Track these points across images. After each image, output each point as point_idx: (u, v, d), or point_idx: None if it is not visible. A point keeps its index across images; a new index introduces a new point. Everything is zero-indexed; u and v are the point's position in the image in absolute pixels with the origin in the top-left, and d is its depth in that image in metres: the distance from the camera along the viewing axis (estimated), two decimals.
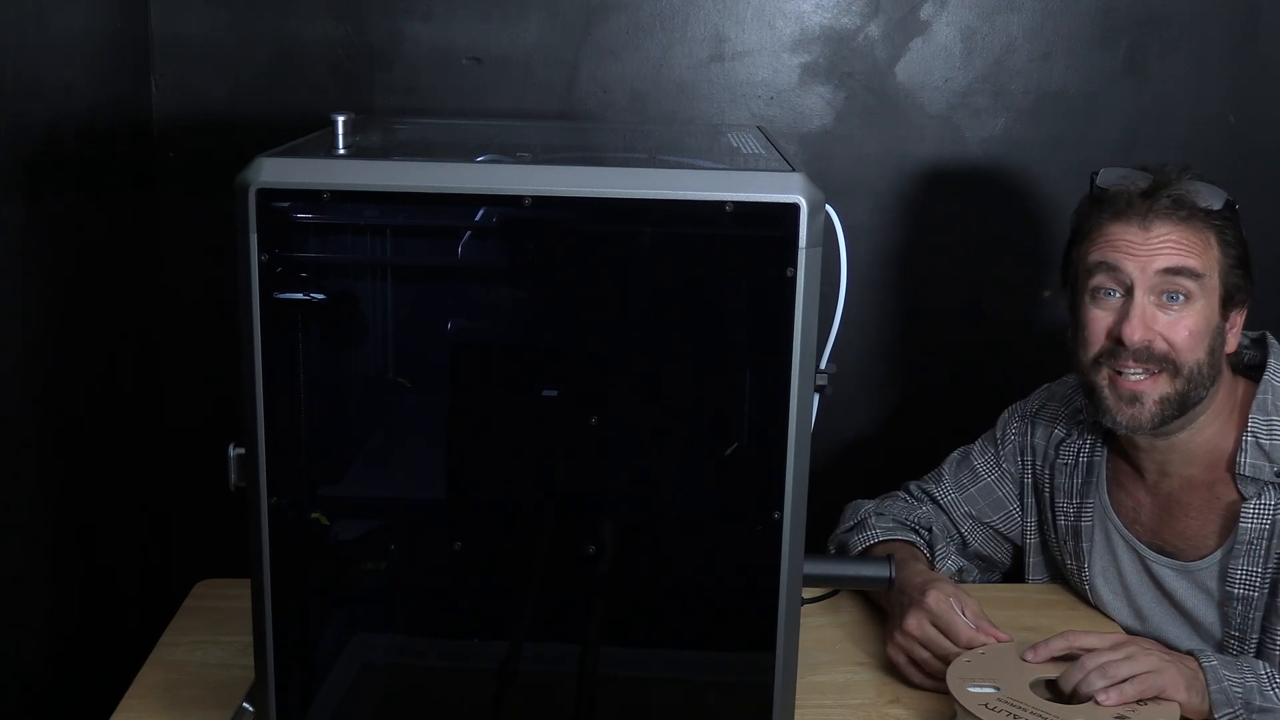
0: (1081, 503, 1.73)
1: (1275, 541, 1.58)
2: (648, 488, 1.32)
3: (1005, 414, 1.85)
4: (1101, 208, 1.60)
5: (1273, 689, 1.47)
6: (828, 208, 1.20)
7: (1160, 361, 1.56)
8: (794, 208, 1.17)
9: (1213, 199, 1.57)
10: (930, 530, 1.80)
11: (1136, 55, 2.17)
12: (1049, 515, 1.78)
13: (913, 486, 1.86)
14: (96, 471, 1.90)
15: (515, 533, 1.30)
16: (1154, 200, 1.56)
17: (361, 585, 1.34)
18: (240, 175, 1.18)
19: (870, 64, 2.16)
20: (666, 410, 1.30)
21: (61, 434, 1.78)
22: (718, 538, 1.31)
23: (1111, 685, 1.42)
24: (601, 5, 2.11)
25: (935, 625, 1.55)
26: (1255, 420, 1.60)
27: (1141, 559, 1.69)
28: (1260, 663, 1.52)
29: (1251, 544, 1.58)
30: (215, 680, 1.56)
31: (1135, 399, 1.58)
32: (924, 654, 1.55)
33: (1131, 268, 1.56)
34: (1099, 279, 1.59)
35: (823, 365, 1.27)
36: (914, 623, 1.56)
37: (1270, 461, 1.58)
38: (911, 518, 1.81)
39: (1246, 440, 1.60)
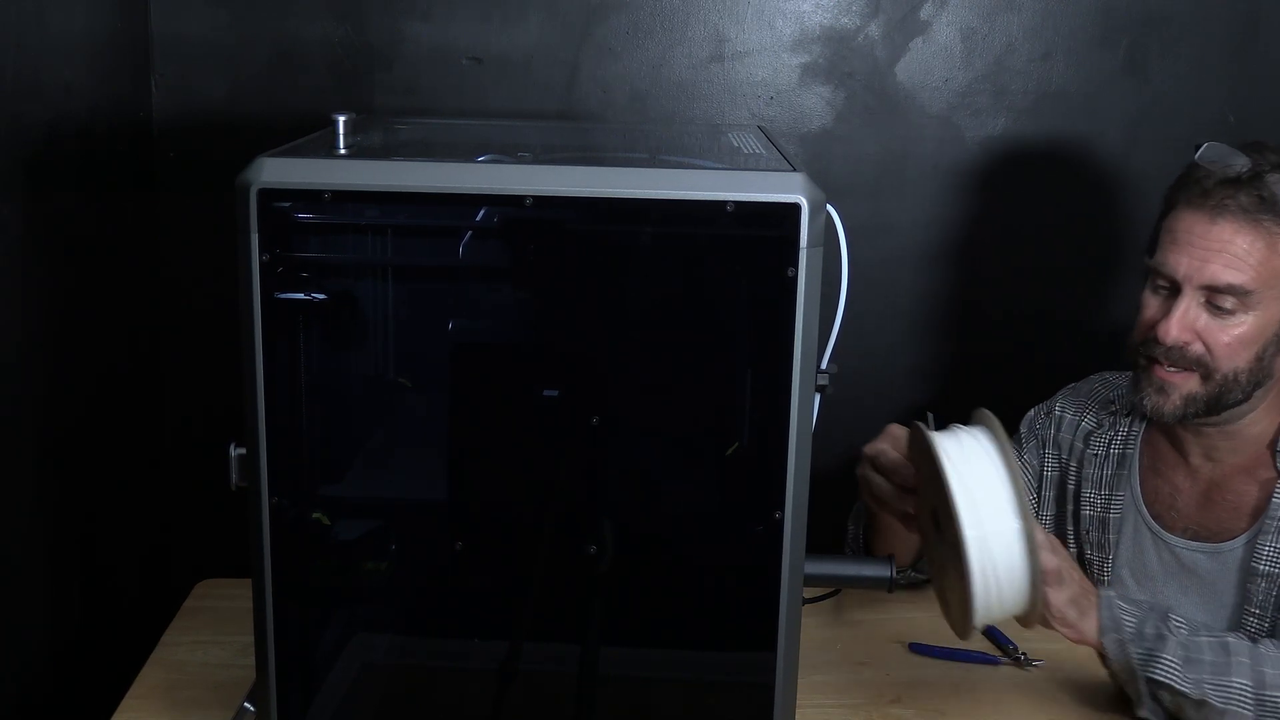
0: (1111, 494, 1.73)
1: None
2: (648, 487, 1.32)
3: (1030, 413, 1.85)
4: (1183, 187, 1.58)
5: (1167, 624, 1.46)
6: (829, 208, 1.20)
7: (1193, 363, 1.56)
8: (795, 208, 1.17)
9: None
10: None
11: (1136, 55, 2.17)
12: (1070, 508, 1.78)
13: None
14: (97, 471, 1.90)
15: (516, 533, 1.30)
16: (1231, 194, 1.53)
17: (362, 585, 1.34)
18: (241, 175, 1.18)
19: (870, 64, 2.16)
20: (667, 410, 1.30)
21: (61, 434, 1.78)
22: (718, 538, 1.31)
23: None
24: (601, 5, 2.11)
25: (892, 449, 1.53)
26: None
27: (1170, 549, 1.69)
28: (1166, 607, 1.51)
29: None
30: (216, 680, 1.56)
31: (1163, 389, 1.59)
32: (877, 478, 1.53)
33: (1183, 269, 1.54)
34: (1156, 268, 1.58)
35: (823, 365, 1.27)
36: (870, 446, 1.54)
37: None
38: None
39: None
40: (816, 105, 2.17)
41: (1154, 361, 1.59)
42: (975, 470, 1.31)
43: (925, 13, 2.14)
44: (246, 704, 1.39)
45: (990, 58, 2.16)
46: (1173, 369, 1.58)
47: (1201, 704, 1.42)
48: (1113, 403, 1.76)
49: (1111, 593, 1.49)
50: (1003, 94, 2.18)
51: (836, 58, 2.15)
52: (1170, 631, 1.45)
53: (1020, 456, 1.83)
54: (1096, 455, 1.76)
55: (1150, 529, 1.71)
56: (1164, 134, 2.17)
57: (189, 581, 1.81)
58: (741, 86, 2.16)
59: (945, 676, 1.61)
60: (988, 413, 1.36)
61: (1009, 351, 2.26)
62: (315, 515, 1.29)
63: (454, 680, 1.36)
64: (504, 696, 1.33)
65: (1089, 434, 1.77)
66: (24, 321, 1.66)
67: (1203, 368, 1.56)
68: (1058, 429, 1.81)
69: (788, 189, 1.17)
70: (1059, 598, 1.43)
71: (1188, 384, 1.57)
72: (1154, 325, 1.58)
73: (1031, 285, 2.25)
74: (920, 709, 1.55)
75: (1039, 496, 1.82)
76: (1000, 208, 2.22)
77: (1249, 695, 1.42)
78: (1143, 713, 1.46)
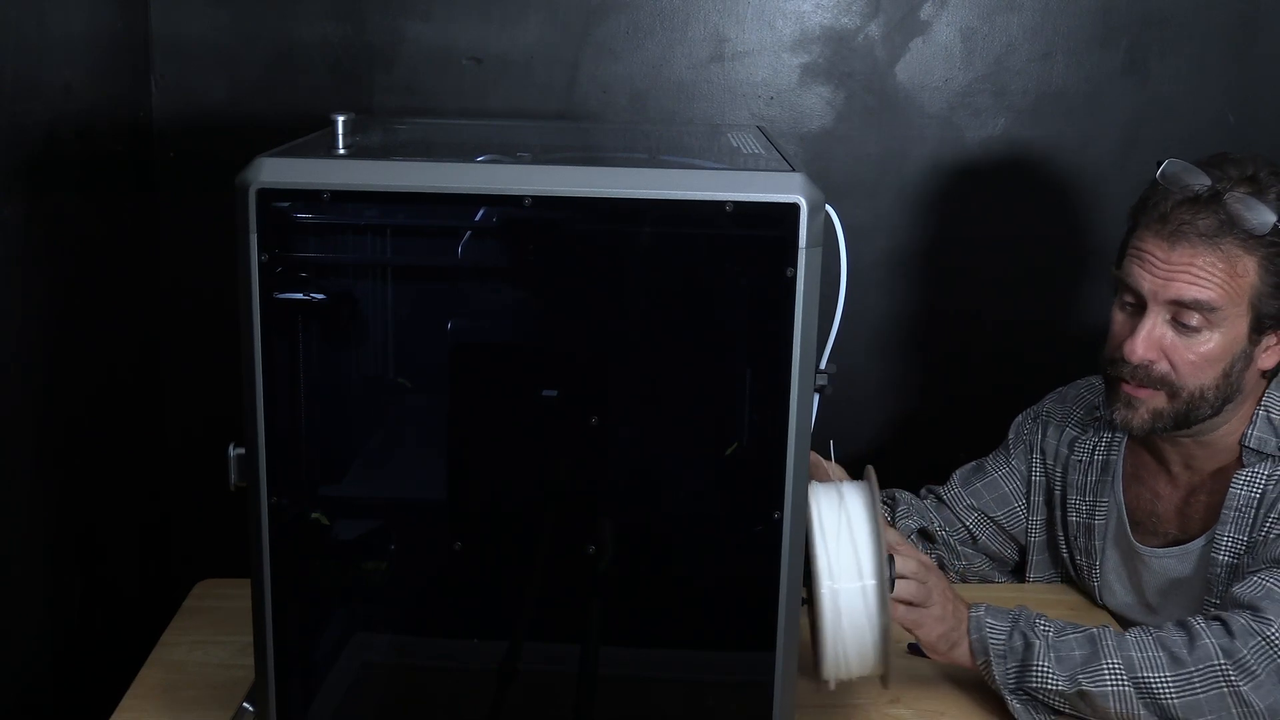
0: (1095, 500, 1.74)
1: (1263, 512, 1.57)
2: (648, 488, 1.32)
3: (1018, 419, 1.87)
4: (1145, 209, 1.57)
5: (1034, 630, 1.48)
6: (828, 208, 1.20)
7: (1157, 382, 1.56)
8: (794, 208, 1.17)
9: (1260, 220, 1.50)
10: (893, 498, 1.84)
11: (1136, 55, 2.17)
12: (1059, 514, 1.79)
13: (923, 490, 1.88)
14: (96, 472, 1.90)
15: (515, 533, 1.30)
16: (1190, 217, 1.51)
17: (361, 585, 1.34)
18: (240, 175, 1.18)
19: (870, 64, 2.16)
20: (666, 410, 1.30)
21: (61, 434, 1.78)
22: (718, 538, 1.31)
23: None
24: (601, 5, 2.11)
25: None
26: (1271, 396, 1.61)
27: (1143, 558, 1.70)
28: (1035, 614, 1.51)
29: (1240, 511, 1.59)
30: (215, 680, 1.56)
31: (1130, 404, 1.59)
32: None
33: (1146, 287, 1.54)
34: (1121, 287, 1.59)
35: (822, 365, 1.27)
36: None
37: (1277, 436, 1.60)
38: (893, 495, 1.84)
39: (1258, 415, 1.61)
40: (816, 105, 2.17)
41: (1120, 378, 1.58)
42: (840, 529, 1.33)
43: (925, 13, 2.14)
44: (246, 704, 1.39)
45: (990, 58, 2.16)
46: (1138, 386, 1.57)
47: (1084, 695, 1.44)
48: (1097, 409, 1.76)
49: (980, 610, 1.50)
50: (1003, 94, 2.18)
51: (836, 58, 2.15)
52: (1038, 636, 1.47)
53: (1008, 461, 1.83)
54: (1080, 461, 1.76)
55: (1129, 538, 1.71)
56: (1164, 134, 2.17)
57: (189, 581, 1.81)
58: (741, 86, 2.16)
59: (945, 676, 1.61)
60: (870, 470, 1.39)
61: (1009, 351, 2.26)
62: (315, 515, 1.29)
63: (454, 680, 1.36)
64: (504, 696, 1.33)
65: (1074, 440, 1.77)
66: (24, 321, 1.66)
67: (1168, 386, 1.56)
68: (1044, 434, 1.81)
69: (787, 189, 1.18)
70: (928, 637, 1.48)
71: (1154, 400, 1.57)
72: (1120, 342, 1.57)
73: (1031, 284, 2.25)
74: (920, 709, 1.55)
75: (1028, 501, 1.83)
76: (1000, 208, 2.22)
77: (1123, 676, 1.43)
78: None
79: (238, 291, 1.20)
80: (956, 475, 1.87)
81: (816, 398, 1.24)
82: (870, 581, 1.31)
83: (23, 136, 1.65)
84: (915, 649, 1.64)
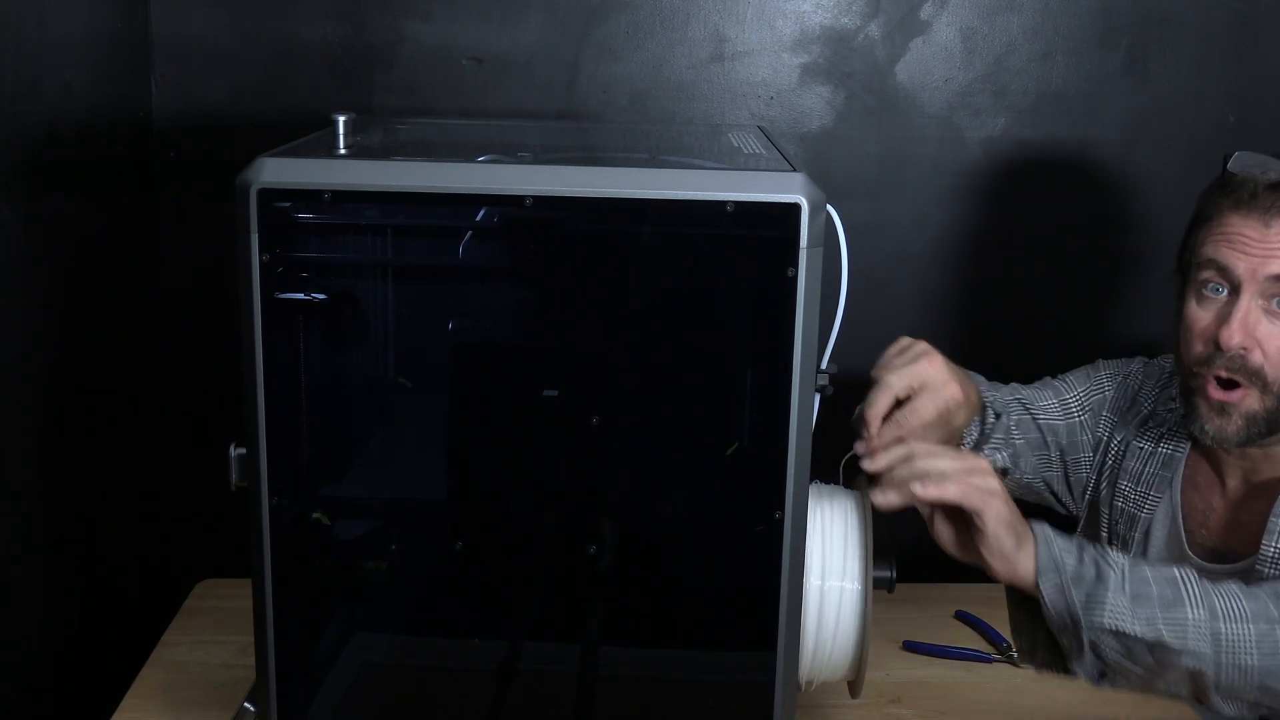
0: (1147, 492, 1.67)
1: None
2: (648, 487, 1.32)
3: (1108, 366, 1.78)
4: (1225, 194, 1.53)
5: (1107, 559, 1.32)
6: (829, 208, 1.20)
7: (1252, 375, 1.50)
8: (795, 208, 1.17)
9: None
10: (998, 415, 1.72)
11: (1136, 55, 2.17)
12: (1105, 492, 1.72)
13: (1010, 388, 1.79)
14: (97, 471, 1.90)
15: (516, 533, 1.30)
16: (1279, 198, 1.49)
17: (362, 585, 1.34)
18: (241, 175, 1.18)
19: (870, 64, 2.16)
20: (667, 410, 1.30)
21: (61, 434, 1.78)
22: (718, 537, 1.31)
23: (930, 483, 1.30)
24: (601, 5, 2.11)
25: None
26: None
27: (1196, 566, 1.65)
28: (1098, 543, 1.41)
29: None
30: (216, 680, 1.56)
31: (1223, 410, 1.53)
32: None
33: (1242, 268, 1.50)
34: (1208, 274, 1.53)
35: (823, 365, 1.27)
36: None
37: None
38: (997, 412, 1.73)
39: None
40: (816, 105, 2.17)
41: (1209, 380, 1.52)
42: (831, 530, 1.33)
43: (925, 13, 2.14)
44: (246, 704, 1.39)
45: (990, 58, 2.17)
46: (1229, 387, 1.51)
47: (1157, 644, 1.26)
48: (1173, 399, 1.68)
49: (1047, 527, 1.32)
50: (1003, 94, 2.18)
51: (836, 58, 2.15)
52: (1111, 566, 1.29)
53: (1084, 405, 1.75)
54: (1143, 449, 1.69)
55: (1182, 543, 1.66)
56: (1164, 134, 2.17)
57: (189, 581, 1.81)
58: (741, 86, 2.16)
59: (945, 676, 1.61)
60: (860, 479, 1.38)
61: (1008, 351, 2.26)
62: (315, 515, 1.29)
63: (454, 680, 1.36)
64: (504, 696, 1.33)
65: (1144, 420, 1.71)
66: (24, 321, 1.66)
67: (1260, 380, 1.50)
68: (1131, 401, 1.74)
69: (788, 189, 1.18)
70: (997, 518, 1.28)
71: (1246, 400, 1.51)
72: (1208, 336, 1.52)
73: (1031, 285, 2.25)
74: (920, 709, 1.55)
75: (1078, 439, 1.74)
76: (1000, 208, 2.22)
77: (1205, 629, 1.27)
78: (1077, 667, 1.30)
79: (239, 292, 1.20)
80: (1036, 386, 1.77)
81: (818, 398, 1.24)
82: (854, 585, 1.31)
83: (23, 136, 1.65)
84: (912, 645, 1.64)
